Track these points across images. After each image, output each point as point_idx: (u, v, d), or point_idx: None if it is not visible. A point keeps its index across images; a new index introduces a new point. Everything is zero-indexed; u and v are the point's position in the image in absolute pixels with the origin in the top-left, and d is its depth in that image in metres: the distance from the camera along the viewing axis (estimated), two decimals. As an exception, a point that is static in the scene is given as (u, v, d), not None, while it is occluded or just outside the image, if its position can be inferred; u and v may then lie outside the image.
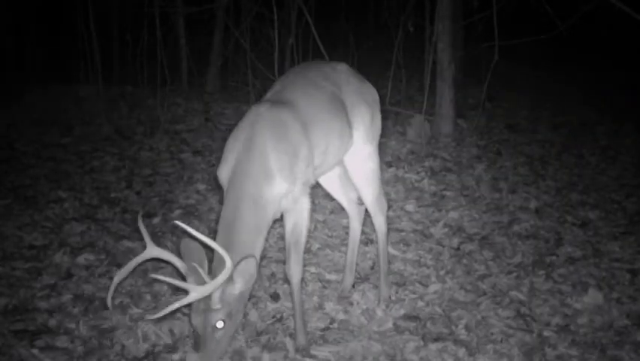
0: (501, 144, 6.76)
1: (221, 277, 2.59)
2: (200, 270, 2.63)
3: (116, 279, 2.75)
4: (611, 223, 4.86)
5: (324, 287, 3.78)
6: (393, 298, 3.70)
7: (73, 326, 3.26)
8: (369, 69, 9.29)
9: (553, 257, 4.28)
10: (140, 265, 3.84)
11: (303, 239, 3.10)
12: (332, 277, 3.96)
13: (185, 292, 2.65)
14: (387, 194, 5.29)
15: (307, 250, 4.27)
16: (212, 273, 2.71)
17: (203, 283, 2.63)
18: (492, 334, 3.38)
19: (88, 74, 7.74)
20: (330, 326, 3.42)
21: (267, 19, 7.30)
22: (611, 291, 3.82)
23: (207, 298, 2.65)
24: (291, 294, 3.21)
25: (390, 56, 7.43)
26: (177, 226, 2.73)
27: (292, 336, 3.29)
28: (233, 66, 8.70)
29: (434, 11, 6.62)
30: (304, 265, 3.99)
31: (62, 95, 7.67)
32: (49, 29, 10.63)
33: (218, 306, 2.65)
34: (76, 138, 6.40)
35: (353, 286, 3.78)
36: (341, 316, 3.52)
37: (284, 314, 3.50)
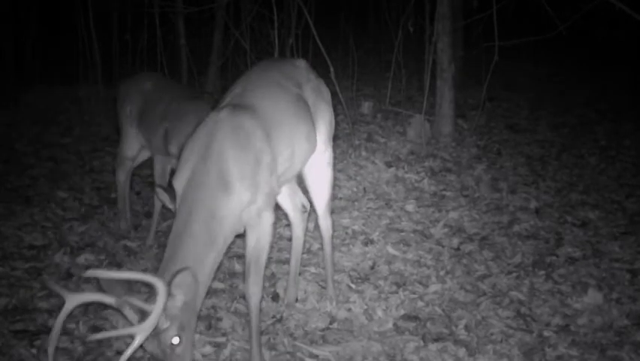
0: (501, 144, 6.75)
1: (159, 303, 2.38)
2: (137, 301, 2.42)
3: (51, 349, 2.37)
4: (611, 223, 4.85)
5: (324, 287, 3.78)
6: (340, 298, 3.67)
7: (73, 326, 3.26)
8: (369, 69, 9.36)
9: (553, 257, 4.28)
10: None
11: (264, 257, 2.93)
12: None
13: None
14: (387, 194, 5.30)
15: (307, 250, 4.28)
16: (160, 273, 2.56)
17: (141, 314, 2.44)
18: (492, 334, 3.38)
19: (88, 74, 7.74)
20: (330, 326, 3.42)
21: (267, 19, 7.30)
22: (611, 291, 3.81)
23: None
24: (248, 318, 3.02)
25: (390, 56, 7.44)
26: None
27: (292, 336, 3.29)
28: (233, 66, 8.69)
29: (434, 11, 6.62)
30: (304, 265, 4.01)
31: (62, 95, 7.67)
32: (49, 29, 10.62)
33: (166, 325, 2.46)
34: (76, 138, 6.40)
35: (296, 300, 3.65)
36: (341, 316, 3.52)
37: (284, 314, 3.50)
